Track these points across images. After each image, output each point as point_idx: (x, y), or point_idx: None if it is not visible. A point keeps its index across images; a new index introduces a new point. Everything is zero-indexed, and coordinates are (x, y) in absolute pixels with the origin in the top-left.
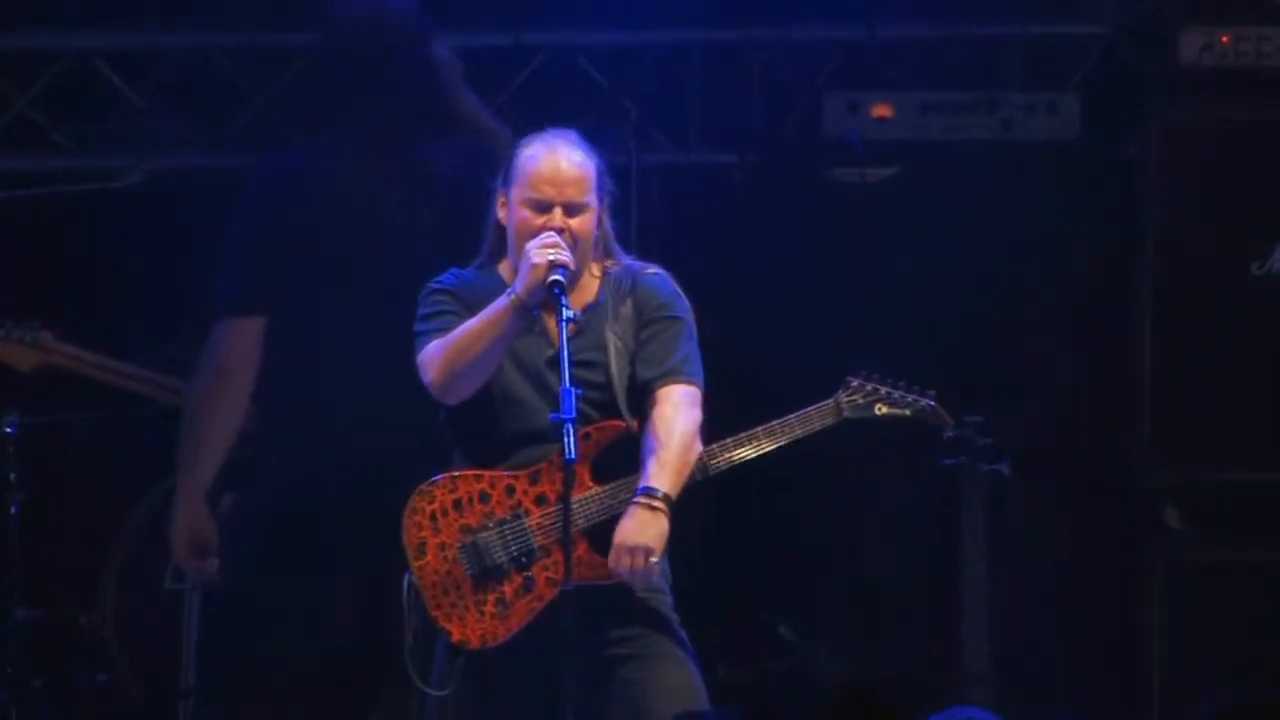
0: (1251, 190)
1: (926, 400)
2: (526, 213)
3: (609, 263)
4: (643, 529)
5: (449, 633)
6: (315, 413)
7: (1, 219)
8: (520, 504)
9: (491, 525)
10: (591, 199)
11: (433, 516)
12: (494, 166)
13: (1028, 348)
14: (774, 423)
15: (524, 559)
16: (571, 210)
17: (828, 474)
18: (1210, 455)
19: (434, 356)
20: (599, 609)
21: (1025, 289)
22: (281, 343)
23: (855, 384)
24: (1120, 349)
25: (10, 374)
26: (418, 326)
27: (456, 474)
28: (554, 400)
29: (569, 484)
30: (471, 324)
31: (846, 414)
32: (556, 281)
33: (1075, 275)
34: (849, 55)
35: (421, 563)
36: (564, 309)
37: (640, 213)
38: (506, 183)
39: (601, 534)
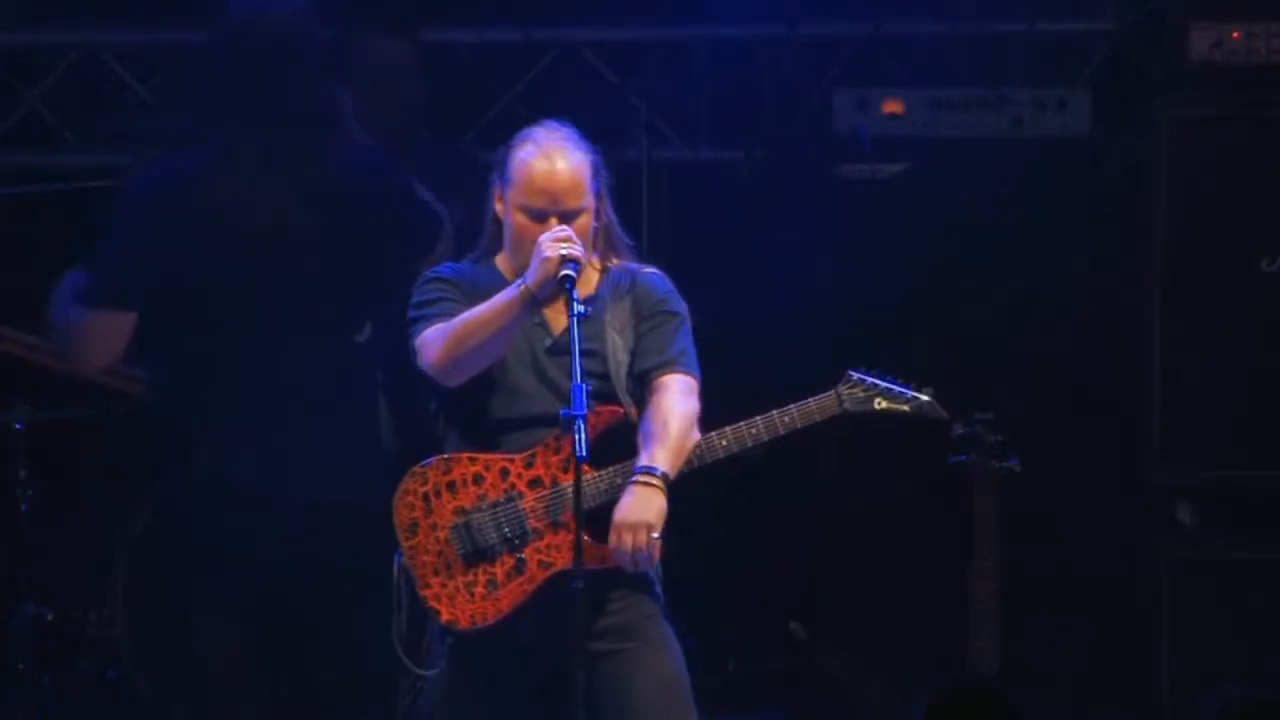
0: (1262, 187)
1: (925, 396)
2: (524, 219)
3: (611, 261)
4: (643, 506)
5: (438, 613)
6: (214, 420)
7: (9, 214)
8: (514, 487)
9: (485, 507)
10: (587, 200)
11: (425, 497)
12: (390, 175)
13: (1037, 344)
14: (773, 413)
15: (517, 541)
16: (567, 217)
17: (838, 471)
18: (1220, 453)
19: (435, 340)
20: (590, 596)
21: (1034, 286)
22: (170, 352)
23: (855, 378)
24: (1130, 346)
25: (20, 369)
26: (413, 313)
27: (449, 456)
28: (551, 386)
29: (579, 478)
30: (479, 311)
31: (847, 407)
32: (567, 276)
33: (1084, 272)
34: (857, 52)
35: (413, 543)
36: (574, 303)
37: (650, 209)
38: (503, 179)
39: (599, 519)
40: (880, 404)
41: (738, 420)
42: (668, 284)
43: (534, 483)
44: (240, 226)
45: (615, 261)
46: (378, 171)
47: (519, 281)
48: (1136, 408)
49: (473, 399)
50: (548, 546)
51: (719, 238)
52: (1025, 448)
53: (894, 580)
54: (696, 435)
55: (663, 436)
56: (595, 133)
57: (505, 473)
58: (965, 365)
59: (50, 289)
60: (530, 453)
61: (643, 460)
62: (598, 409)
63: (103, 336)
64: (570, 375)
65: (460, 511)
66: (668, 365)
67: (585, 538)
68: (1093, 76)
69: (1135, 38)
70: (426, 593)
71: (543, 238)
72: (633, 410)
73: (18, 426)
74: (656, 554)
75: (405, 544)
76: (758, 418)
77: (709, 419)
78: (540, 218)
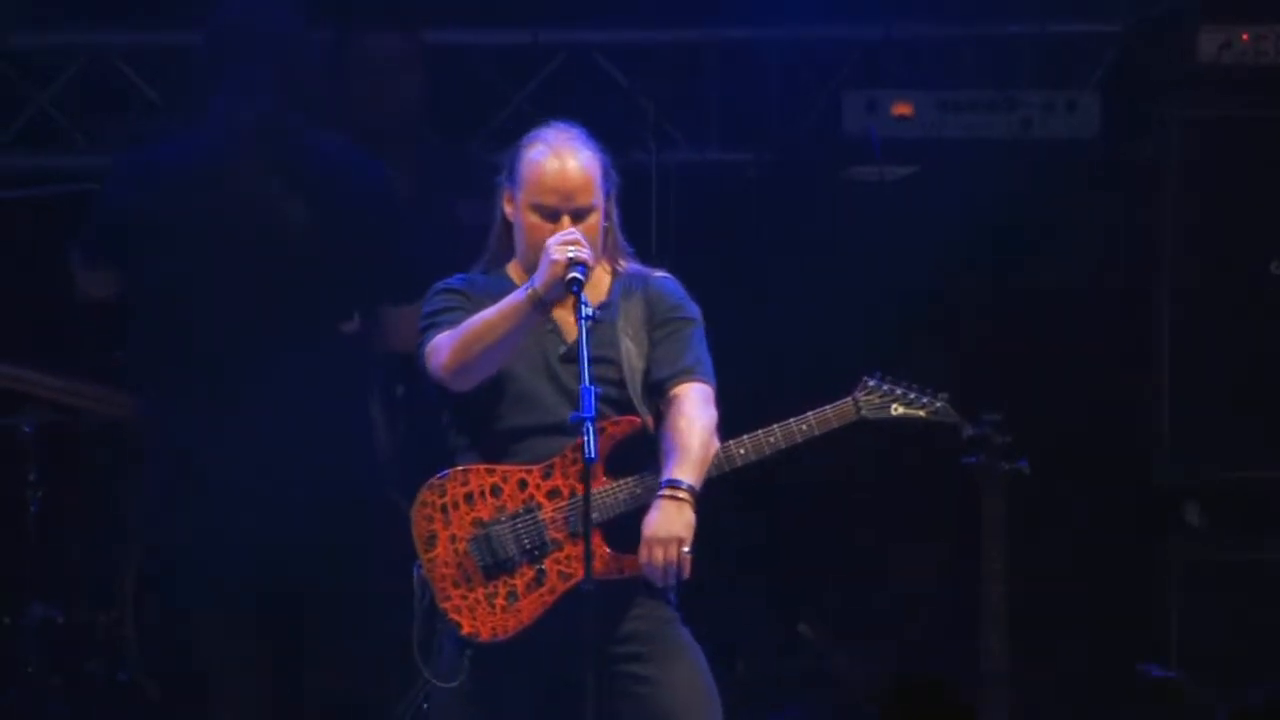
0: (1271, 189)
1: (941, 401)
2: (534, 219)
3: (620, 264)
4: (671, 520)
5: (459, 625)
6: (195, 399)
7: (19, 215)
8: (533, 498)
9: (504, 518)
10: (598, 199)
11: (443, 509)
12: (373, 172)
13: (1046, 346)
14: (790, 421)
15: (536, 552)
16: (578, 215)
17: (848, 473)
18: (1229, 453)
19: (444, 345)
20: (609, 605)
21: (1044, 287)
22: (155, 329)
23: (871, 384)
24: (1139, 347)
25: (28, 364)
26: (423, 322)
27: (467, 468)
28: (566, 394)
29: (588, 481)
30: (486, 314)
31: (864, 414)
32: (575, 279)
33: (1094, 274)
34: (867, 54)
35: (431, 555)
36: (583, 306)
37: (659, 211)
38: (512, 181)
39: (616, 529)
40: (897, 410)
41: (748, 423)
42: (680, 289)
43: (552, 493)
44: (224, 209)
45: (624, 265)
46: (360, 164)
47: (527, 285)
48: (1146, 409)
49: (486, 407)
50: (567, 557)
51: (727, 241)
52: (1034, 449)
53: (903, 582)
54: (716, 444)
55: (686, 449)
56: (604, 135)
57: (523, 484)
58: (975, 366)
59: (58, 290)
60: (548, 463)
61: (668, 474)
62: (615, 419)
63: (97, 283)
64: (592, 388)
65: (479, 523)
66: (685, 374)
67: (605, 548)
68: (1102, 79)
69: (1144, 40)
70: (447, 605)
71: (550, 240)
72: (649, 419)
73: (26, 429)
74: (687, 568)
75: (424, 556)
76: (775, 426)
77: (720, 419)
78: (553, 216)
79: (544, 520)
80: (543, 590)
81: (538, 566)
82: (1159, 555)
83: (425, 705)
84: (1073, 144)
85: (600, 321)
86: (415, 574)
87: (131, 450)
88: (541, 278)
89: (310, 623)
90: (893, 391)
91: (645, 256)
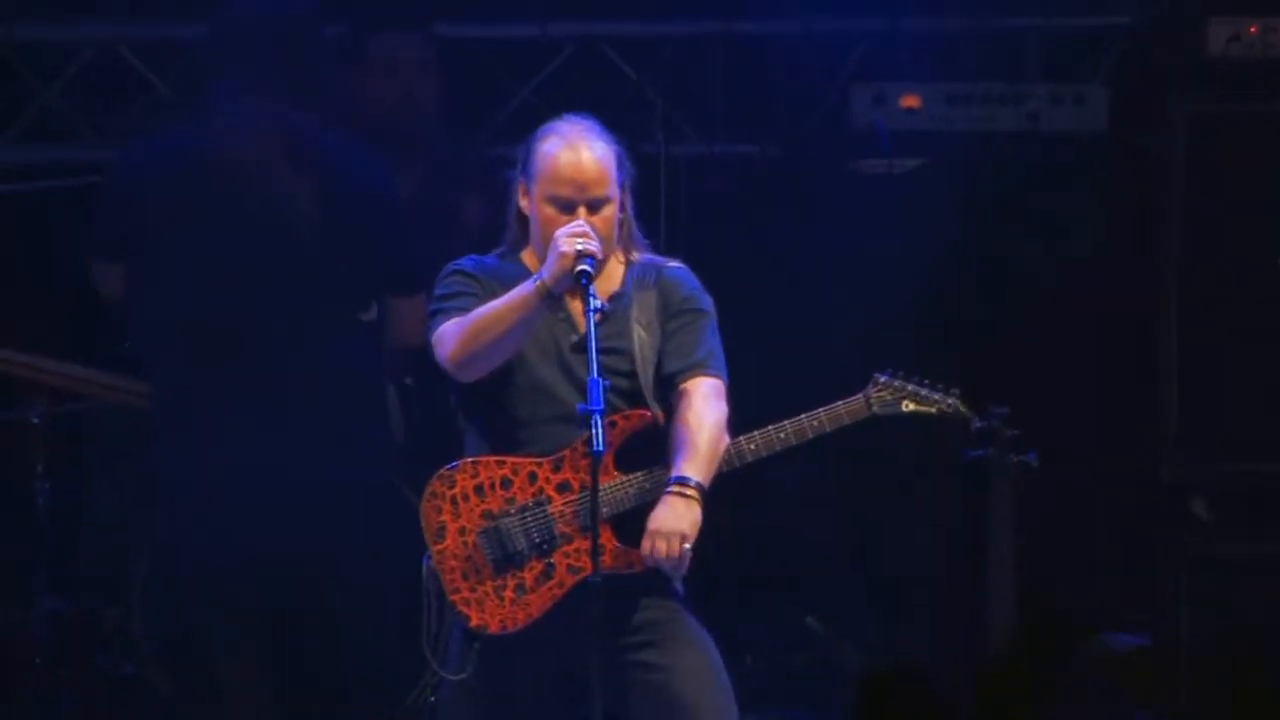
0: (1277, 183)
1: (952, 397)
2: (550, 210)
3: (634, 255)
4: (678, 516)
5: (468, 617)
6: (210, 390)
7: (30, 208)
8: (542, 491)
9: (513, 511)
10: (613, 190)
11: (453, 501)
12: (370, 162)
13: (1054, 338)
14: (802, 417)
15: (545, 546)
16: (594, 206)
17: (855, 466)
18: (1236, 448)
19: (451, 334)
20: (618, 598)
21: (1051, 280)
22: (164, 321)
23: (883, 380)
24: (1146, 340)
25: (40, 354)
26: (433, 306)
27: (476, 459)
28: (577, 385)
29: (596, 473)
30: (495, 305)
31: (875, 410)
32: (584, 271)
33: (1101, 266)
34: (874, 46)
35: (441, 547)
36: (591, 298)
37: (667, 202)
38: (526, 173)
39: (626, 523)
40: (908, 406)
41: (757, 414)
42: (694, 279)
43: (562, 487)
44: (234, 198)
45: (637, 255)
46: (361, 159)
47: (535, 276)
48: (1153, 403)
49: (496, 396)
50: (577, 551)
51: (735, 232)
52: (1042, 442)
53: (912, 574)
54: (726, 439)
55: (695, 445)
56: (612, 127)
57: (533, 477)
58: (982, 359)
59: (72, 280)
60: (558, 456)
61: (677, 470)
62: (625, 412)
63: (104, 280)
64: (601, 376)
65: (488, 516)
66: (697, 367)
67: (615, 542)
68: (1109, 72)
69: (1151, 33)
70: (455, 597)
71: (559, 233)
72: (659, 412)
73: (35, 420)
74: (686, 563)
75: (433, 548)
76: (786, 422)
77: (730, 413)
78: (568, 208)
79: (553, 514)
80: (551, 584)
81: (547, 560)
82: (1166, 549)
83: (434, 699)
84: (1080, 137)
85: (613, 311)
86: (424, 566)
87: (140, 441)
88: (550, 270)
89: (325, 614)
90: (904, 388)
91: (653, 249)
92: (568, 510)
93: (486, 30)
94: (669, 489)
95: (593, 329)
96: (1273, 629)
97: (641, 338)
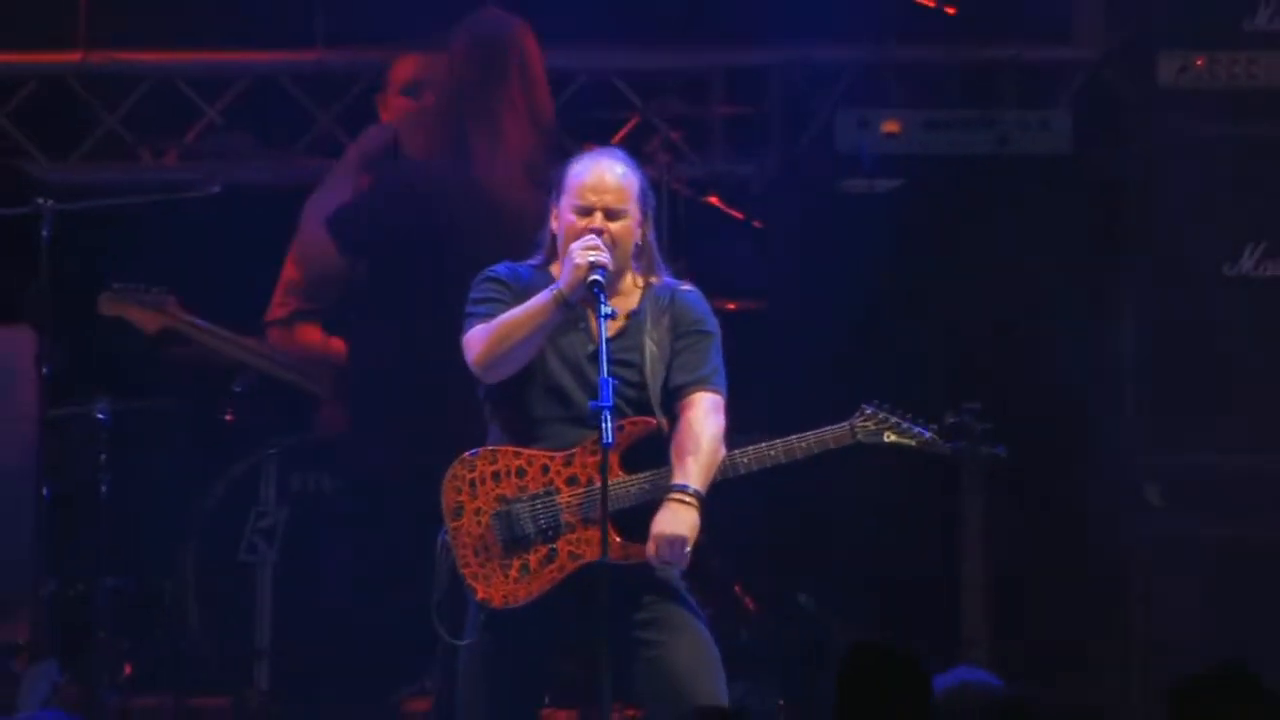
0: (1224, 200)
1: (930, 433)
2: (573, 217)
3: (652, 278)
4: (679, 521)
5: (474, 590)
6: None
7: (90, 225)
8: (553, 482)
9: (525, 498)
10: (631, 207)
11: (471, 484)
12: None
13: (1023, 342)
14: (792, 438)
15: (550, 532)
16: (612, 215)
17: (842, 458)
18: (1187, 439)
19: (478, 339)
20: (622, 585)
21: (1021, 289)
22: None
23: (869, 411)
24: (1107, 343)
25: (104, 362)
26: (468, 309)
27: (496, 448)
28: (591, 389)
29: (605, 464)
30: (516, 312)
31: (859, 438)
32: (596, 281)
33: (1066, 276)
34: (859, 76)
35: (457, 524)
36: (602, 305)
37: (670, 220)
38: (557, 196)
39: (627, 520)
40: (890, 437)
41: (752, 414)
42: (705, 303)
43: (571, 480)
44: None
45: (656, 279)
46: None
47: (553, 286)
48: (1111, 399)
49: (517, 395)
50: (579, 540)
51: (733, 245)
52: (1011, 436)
53: (893, 555)
54: (723, 451)
55: (695, 454)
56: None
57: (546, 468)
58: (955, 361)
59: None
60: (570, 452)
61: (678, 477)
62: (632, 419)
63: (309, 256)
64: (610, 379)
65: (502, 500)
66: (700, 383)
67: (615, 536)
68: (1073, 99)
69: (1110, 65)
70: (466, 570)
71: (573, 246)
72: (664, 420)
73: (100, 417)
74: (686, 562)
75: (450, 524)
76: (779, 441)
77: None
78: (588, 213)
79: (560, 504)
80: (552, 567)
81: (550, 545)
82: (1125, 532)
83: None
84: (1046, 159)
85: (628, 328)
86: (440, 539)
87: (194, 439)
88: (566, 279)
89: None
90: (888, 420)
91: (672, 274)
92: (574, 502)
93: None
94: (671, 495)
95: (604, 332)
96: (1222, 604)
97: (652, 353)
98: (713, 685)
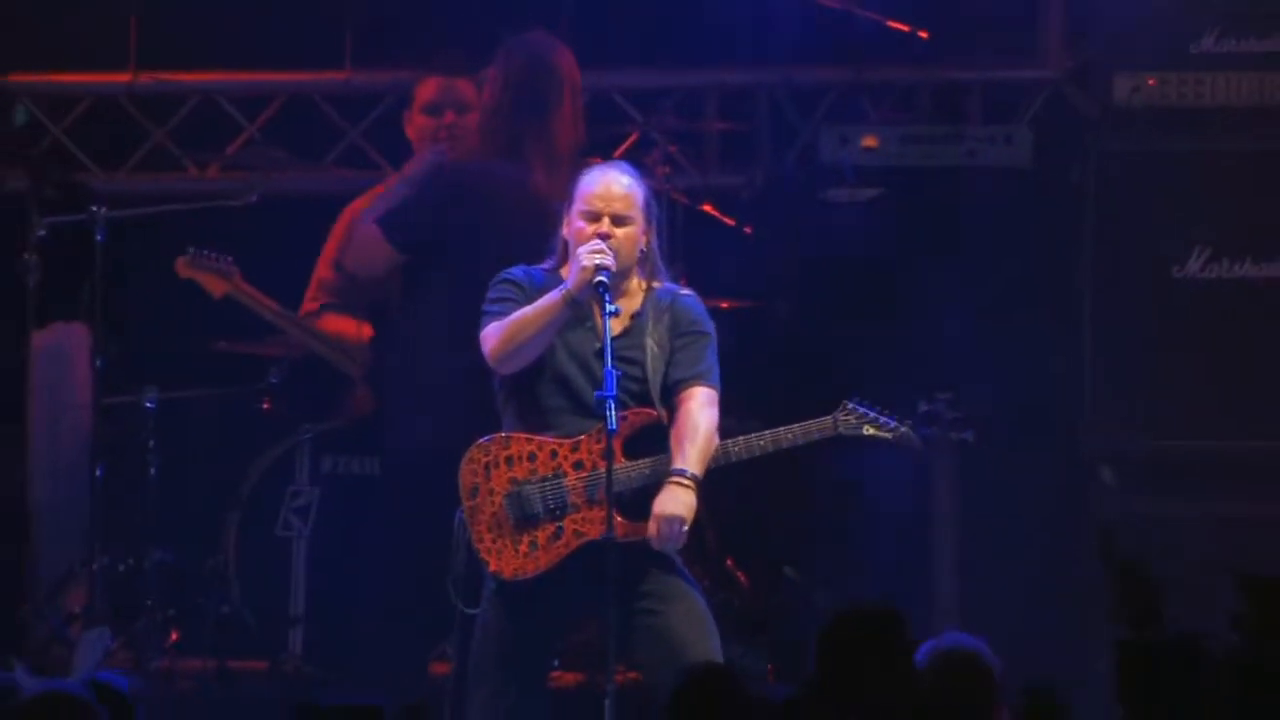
0: (1173, 208)
1: (905, 427)
2: (581, 223)
3: (655, 283)
4: (678, 502)
5: (487, 563)
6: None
7: (141, 230)
8: (560, 467)
9: (535, 481)
10: (636, 215)
11: (486, 467)
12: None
13: (989, 337)
14: (780, 429)
15: (558, 512)
16: (617, 221)
17: (831, 447)
18: (1138, 425)
19: (493, 334)
20: (624, 560)
21: (986, 289)
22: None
23: (850, 406)
24: (1066, 339)
25: (150, 352)
26: (485, 308)
27: (509, 435)
28: (596, 383)
29: (610, 449)
30: (528, 310)
31: (841, 430)
32: (601, 281)
33: (1028, 278)
34: (841, 95)
35: (472, 503)
36: (607, 303)
37: (668, 225)
38: (569, 205)
39: (629, 501)
40: (868, 430)
41: (742, 404)
42: (701, 306)
43: (577, 465)
44: (502, 222)
45: (658, 284)
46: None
47: (561, 286)
48: (1072, 390)
49: (529, 387)
50: (583, 519)
51: (726, 249)
52: (980, 422)
53: (872, 531)
54: (717, 440)
55: (692, 442)
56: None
57: (554, 454)
58: (929, 353)
59: (163, 294)
60: (577, 439)
61: (677, 463)
62: (635, 410)
63: (363, 256)
64: (614, 370)
65: (514, 482)
66: (697, 378)
67: (619, 517)
68: (1034, 116)
69: (1069, 84)
70: (480, 545)
71: (580, 249)
72: (663, 413)
73: (148, 405)
74: (684, 539)
75: (466, 503)
76: (767, 431)
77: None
78: (595, 218)
79: (568, 487)
80: (559, 544)
81: (558, 524)
82: (1080, 509)
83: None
84: (1010, 171)
85: (632, 328)
86: (457, 517)
87: (232, 425)
88: (573, 280)
89: None
90: (867, 415)
91: (673, 279)
92: (580, 485)
93: None
94: (670, 479)
95: (608, 328)
96: (1167, 575)
97: (653, 352)
98: (708, 648)
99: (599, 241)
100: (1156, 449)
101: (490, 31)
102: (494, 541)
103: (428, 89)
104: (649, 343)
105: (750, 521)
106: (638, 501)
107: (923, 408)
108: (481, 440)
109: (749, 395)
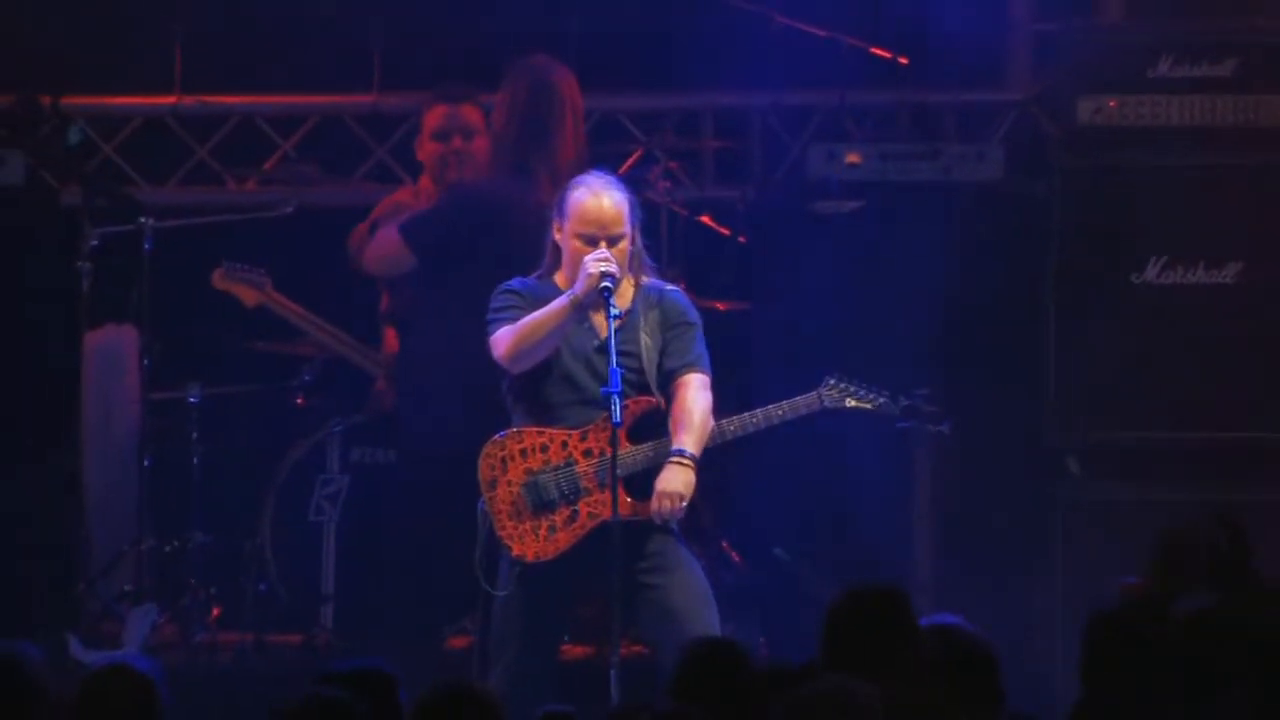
0: (1132, 220)
1: (883, 398)
2: (578, 244)
3: (643, 279)
4: (677, 479)
5: (510, 549)
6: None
7: (185, 238)
8: (571, 455)
9: (549, 470)
10: (627, 228)
11: (503, 460)
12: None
13: (961, 337)
14: (770, 406)
15: (572, 497)
16: (613, 240)
17: (814, 435)
18: (1099, 419)
19: (504, 338)
20: (631, 536)
21: (959, 294)
22: (436, 317)
23: (832, 381)
24: (1033, 339)
25: (193, 352)
26: (490, 316)
27: (522, 430)
28: (599, 376)
29: (616, 440)
30: (537, 315)
31: (825, 404)
32: (606, 288)
33: (998, 283)
34: (827, 116)
35: (492, 495)
36: (611, 307)
37: (669, 238)
38: (561, 214)
39: (635, 482)
40: (850, 402)
41: (736, 397)
42: (686, 299)
43: (587, 453)
44: (509, 236)
45: (646, 280)
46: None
47: (568, 293)
48: (1038, 387)
49: (537, 384)
50: (596, 502)
51: (722, 257)
52: (955, 416)
53: (855, 517)
54: (712, 421)
55: (690, 424)
56: (626, 178)
57: (565, 444)
58: (909, 353)
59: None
60: (584, 429)
61: (676, 444)
62: (636, 398)
63: (385, 258)
64: (618, 368)
65: (529, 472)
66: (690, 365)
67: (627, 497)
68: (1005, 135)
69: (1036, 105)
70: (502, 532)
71: (586, 259)
72: (661, 400)
73: (191, 400)
74: (683, 514)
75: (486, 495)
76: (758, 410)
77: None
78: (591, 242)
79: (579, 473)
80: (575, 526)
81: (573, 508)
82: (1047, 496)
83: (493, 613)
84: (982, 185)
85: (625, 323)
86: (479, 508)
87: (270, 416)
88: (580, 287)
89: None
90: (848, 389)
91: (657, 273)
92: (590, 470)
93: None
94: (670, 459)
95: (612, 331)
96: (1130, 559)
97: (647, 344)
98: (707, 619)
99: (604, 252)
100: (1116, 440)
101: (501, 59)
102: (516, 528)
103: (435, 116)
104: (642, 336)
105: (743, 505)
106: (642, 482)
107: (903, 402)
108: (496, 436)
109: (741, 389)
